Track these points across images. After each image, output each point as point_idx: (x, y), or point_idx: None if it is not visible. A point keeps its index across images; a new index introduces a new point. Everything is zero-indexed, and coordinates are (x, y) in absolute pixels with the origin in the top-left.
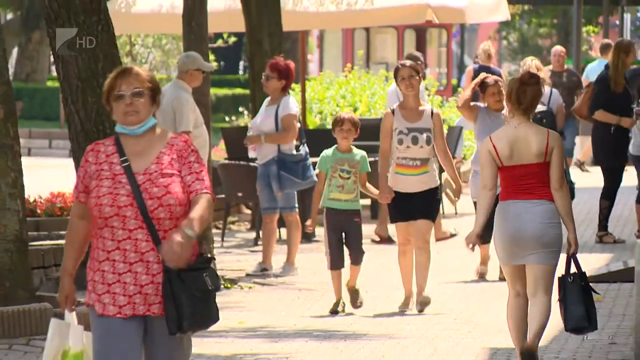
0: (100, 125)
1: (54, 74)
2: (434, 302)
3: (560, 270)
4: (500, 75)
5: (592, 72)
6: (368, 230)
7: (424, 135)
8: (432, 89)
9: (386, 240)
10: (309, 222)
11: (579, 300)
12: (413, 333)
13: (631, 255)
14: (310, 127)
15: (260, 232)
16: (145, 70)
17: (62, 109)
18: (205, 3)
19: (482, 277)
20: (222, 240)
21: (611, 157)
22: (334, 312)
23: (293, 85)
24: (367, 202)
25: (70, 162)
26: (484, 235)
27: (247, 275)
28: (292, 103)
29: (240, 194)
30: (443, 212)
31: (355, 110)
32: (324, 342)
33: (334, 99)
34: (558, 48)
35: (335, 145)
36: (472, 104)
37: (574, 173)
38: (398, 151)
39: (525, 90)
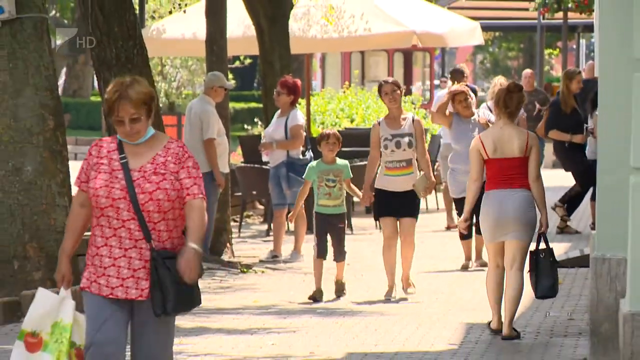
0: None
1: (97, 90)
2: (418, 285)
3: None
4: (475, 91)
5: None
6: (364, 222)
7: (406, 139)
8: (417, 102)
9: (455, 226)
10: (290, 215)
11: (548, 272)
12: (400, 311)
13: (587, 245)
14: (314, 136)
15: (272, 225)
16: (139, 87)
17: (103, 120)
18: (225, 30)
19: (465, 269)
20: (239, 231)
21: (572, 165)
22: (314, 299)
23: (299, 100)
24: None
25: None
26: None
27: (260, 261)
28: (299, 115)
29: (254, 192)
30: (427, 208)
31: (352, 121)
32: (326, 318)
33: (334, 111)
34: (528, 71)
35: (320, 158)
36: (447, 112)
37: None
38: (385, 155)
39: (511, 97)
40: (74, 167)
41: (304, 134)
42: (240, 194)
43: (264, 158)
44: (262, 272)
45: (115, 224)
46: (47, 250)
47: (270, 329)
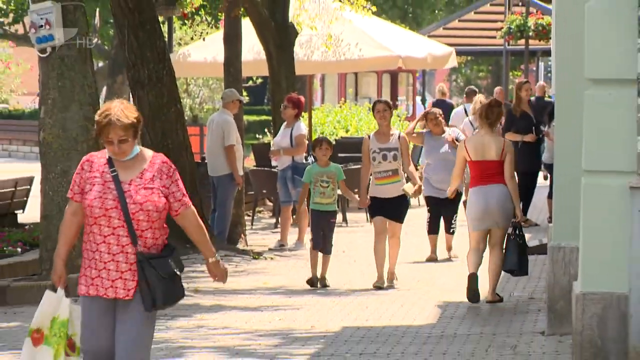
0: (164, 142)
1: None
2: (402, 273)
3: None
4: (452, 106)
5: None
6: (357, 217)
7: (391, 153)
8: (402, 115)
9: None
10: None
11: (514, 251)
12: (388, 292)
13: (545, 235)
14: None
15: (279, 219)
16: (128, 112)
17: None
18: (240, 55)
19: (431, 260)
20: (252, 224)
21: (521, 165)
22: (310, 283)
23: (303, 113)
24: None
25: None
26: (434, 229)
27: (269, 249)
28: (302, 126)
29: (264, 191)
30: (419, 204)
31: (347, 131)
32: (325, 297)
33: (332, 123)
34: (498, 88)
35: (316, 162)
36: (414, 133)
37: None
38: (374, 166)
39: (492, 111)
40: None
41: (307, 142)
42: (252, 192)
43: (273, 162)
44: (271, 258)
45: (105, 231)
46: None
47: (277, 306)
